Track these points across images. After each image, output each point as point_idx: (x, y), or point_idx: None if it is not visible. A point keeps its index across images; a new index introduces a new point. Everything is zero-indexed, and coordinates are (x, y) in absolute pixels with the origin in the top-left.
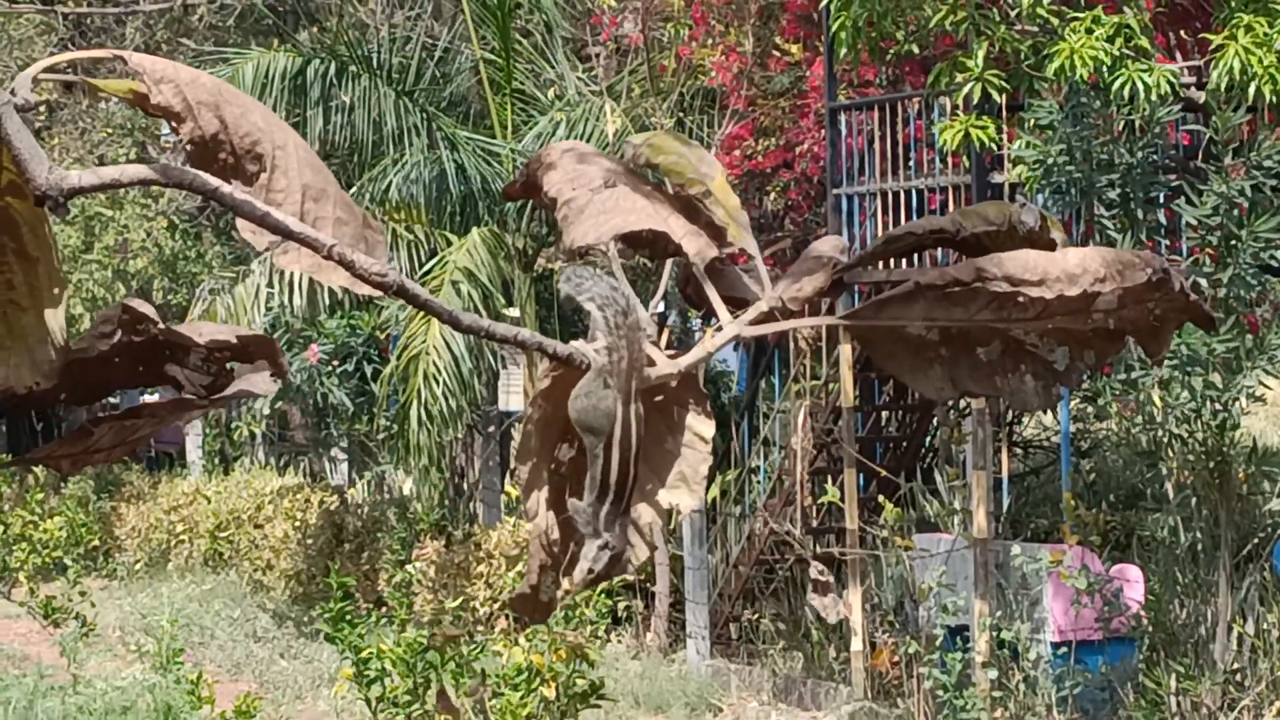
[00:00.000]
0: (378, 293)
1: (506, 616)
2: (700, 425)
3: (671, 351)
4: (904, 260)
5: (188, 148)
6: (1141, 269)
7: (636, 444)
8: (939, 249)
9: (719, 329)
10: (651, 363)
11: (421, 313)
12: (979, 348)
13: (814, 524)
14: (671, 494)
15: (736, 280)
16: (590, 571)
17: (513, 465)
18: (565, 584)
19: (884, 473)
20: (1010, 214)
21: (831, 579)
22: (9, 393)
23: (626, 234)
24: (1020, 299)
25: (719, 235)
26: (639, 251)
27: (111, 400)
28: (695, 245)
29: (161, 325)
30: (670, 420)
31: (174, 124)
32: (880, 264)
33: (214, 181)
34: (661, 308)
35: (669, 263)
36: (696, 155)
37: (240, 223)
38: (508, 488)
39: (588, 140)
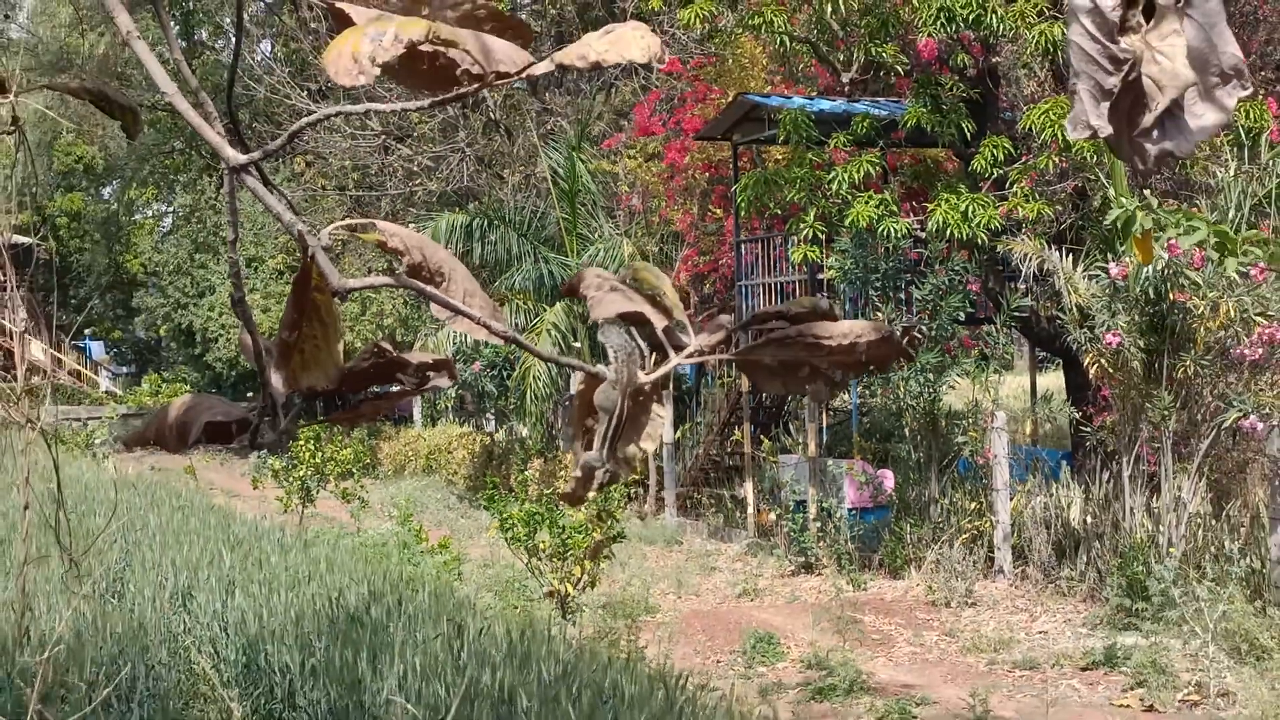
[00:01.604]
0: (501, 341)
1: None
2: (659, 410)
3: (649, 371)
4: (763, 326)
5: (405, 269)
6: (879, 331)
7: (626, 418)
8: (779, 320)
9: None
10: (638, 378)
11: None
12: (798, 371)
13: (729, 450)
14: (644, 443)
15: (678, 337)
16: (601, 483)
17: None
18: (591, 486)
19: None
20: (815, 304)
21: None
22: (312, 391)
23: (623, 314)
24: (820, 346)
25: (669, 314)
26: (629, 324)
27: (374, 390)
28: (657, 319)
29: (395, 353)
30: (644, 407)
31: (399, 257)
32: (751, 328)
33: (420, 284)
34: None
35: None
36: (655, 275)
37: (433, 306)
38: None
39: (614, 259)
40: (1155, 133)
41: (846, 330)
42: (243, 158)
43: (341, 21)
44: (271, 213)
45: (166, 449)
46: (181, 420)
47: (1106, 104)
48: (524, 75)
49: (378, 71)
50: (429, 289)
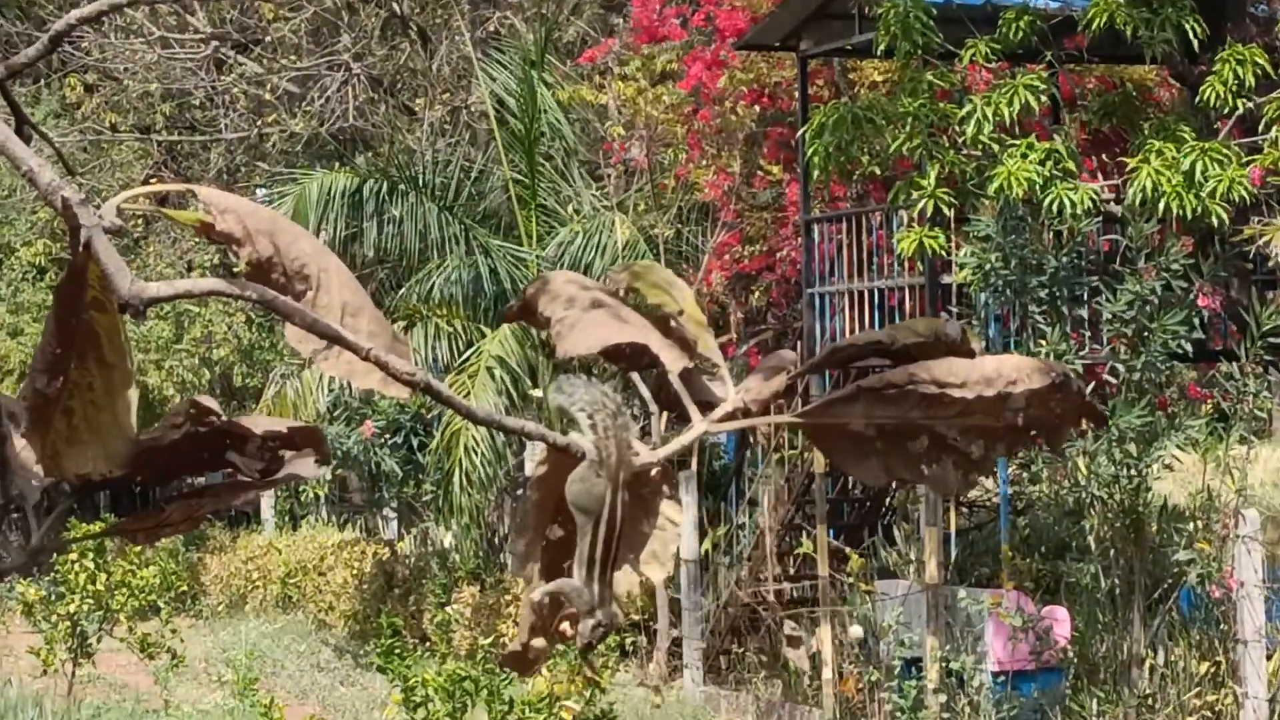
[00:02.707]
0: (406, 392)
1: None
2: (671, 511)
3: (654, 444)
4: (848, 369)
5: (246, 268)
6: (1046, 373)
7: (620, 525)
8: (876, 358)
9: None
10: (637, 454)
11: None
12: (909, 441)
13: (792, 571)
14: (645, 568)
15: (704, 386)
16: (587, 643)
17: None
18: (552, 642)
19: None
20: (937, 328)
21: (802, 633)
22: (87, 479)
23: (608, 349)
24: (945, 399)
25: (690, 347)
26: (619, 365)
27: (192, 481)
28: (670, 356)
29: (223, 418)
30: (648, 506)
31: (234, 249)
32: (826, 370)
33: (270, 293)
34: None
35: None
36: (668, 280)
37: (289, 330)
38: None
39: (599, 249)
40: None
41: (993, 373)
42: None
43: None
44: (20, 169)
45: None
46: None
47: None
48: None
49: None
50: (284, 300)
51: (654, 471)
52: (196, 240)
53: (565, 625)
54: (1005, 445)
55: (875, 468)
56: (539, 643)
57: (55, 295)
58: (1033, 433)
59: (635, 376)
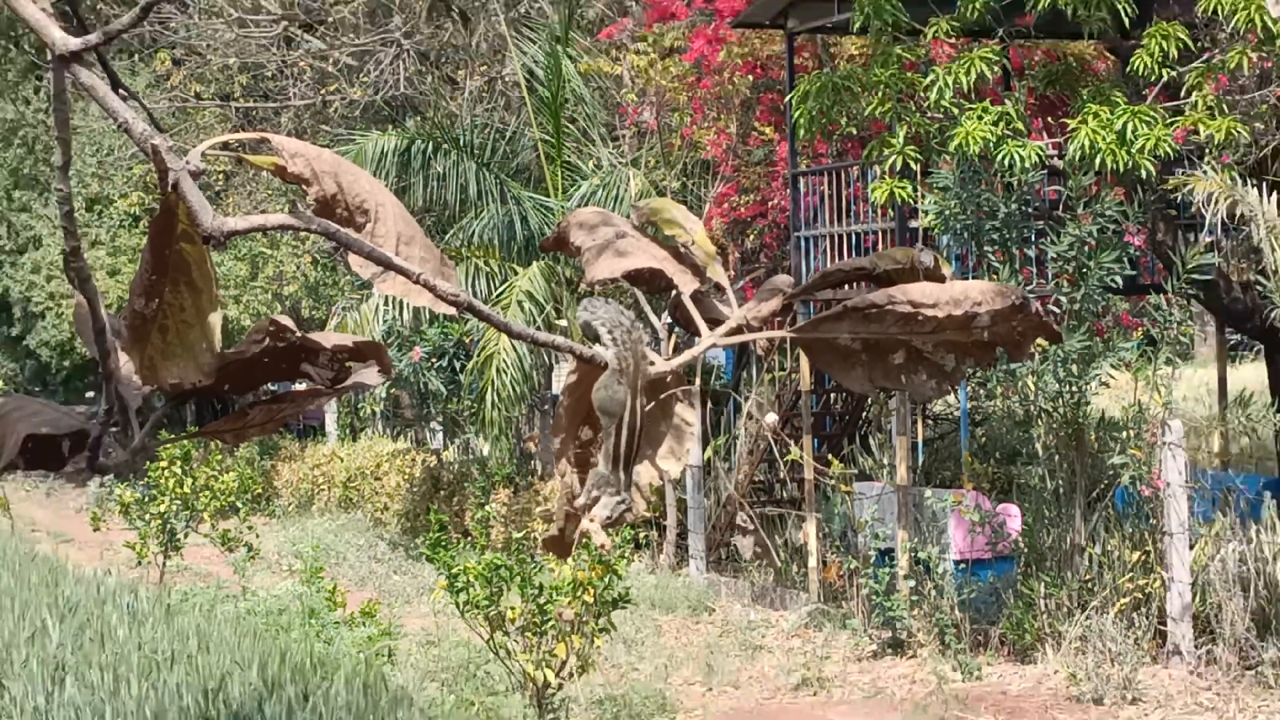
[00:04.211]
0: (453, 310)
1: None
2: (686, 413)
3: (667, 356)
4: (836, 290)
5: (313, 204)
6: (1007, 296)
7: (640, 425)
8: (860, 281)
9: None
10: (652, 363)
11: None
12: (889, 354)
13: (783, 475)
14: (663, 462)
15: (713, 305)
16: (607, 519)
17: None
18: (584, 526)
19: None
20: (912, 256)
21: (753, 526)
22: (179, 388)
23: (631, 273)
24: (919, 317)
25: (700, 273)
26: (640, 287)
27: (270, 389)
28: (683, 280)
29: (299, 334)
30: (666, 409)
31: (304, 187)
32: (818, 293)
33: (333, 226)
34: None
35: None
36: (683, 214)
37: (351, 258)
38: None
39: (616, 199)
40: None
41: (960, 295)
42: (75, 41)
43: None
44: (117, 121)
45: None
46: None
47: None
48: None
49: None
50: (347, 233)
51: (669, 378)
52: (269, 192)
53: (595, 509)
54: (973, 358)
55: (860, 377)
56: (573, 529)
57: (150, 229)
58: (998, 349)
59: (645, 305)
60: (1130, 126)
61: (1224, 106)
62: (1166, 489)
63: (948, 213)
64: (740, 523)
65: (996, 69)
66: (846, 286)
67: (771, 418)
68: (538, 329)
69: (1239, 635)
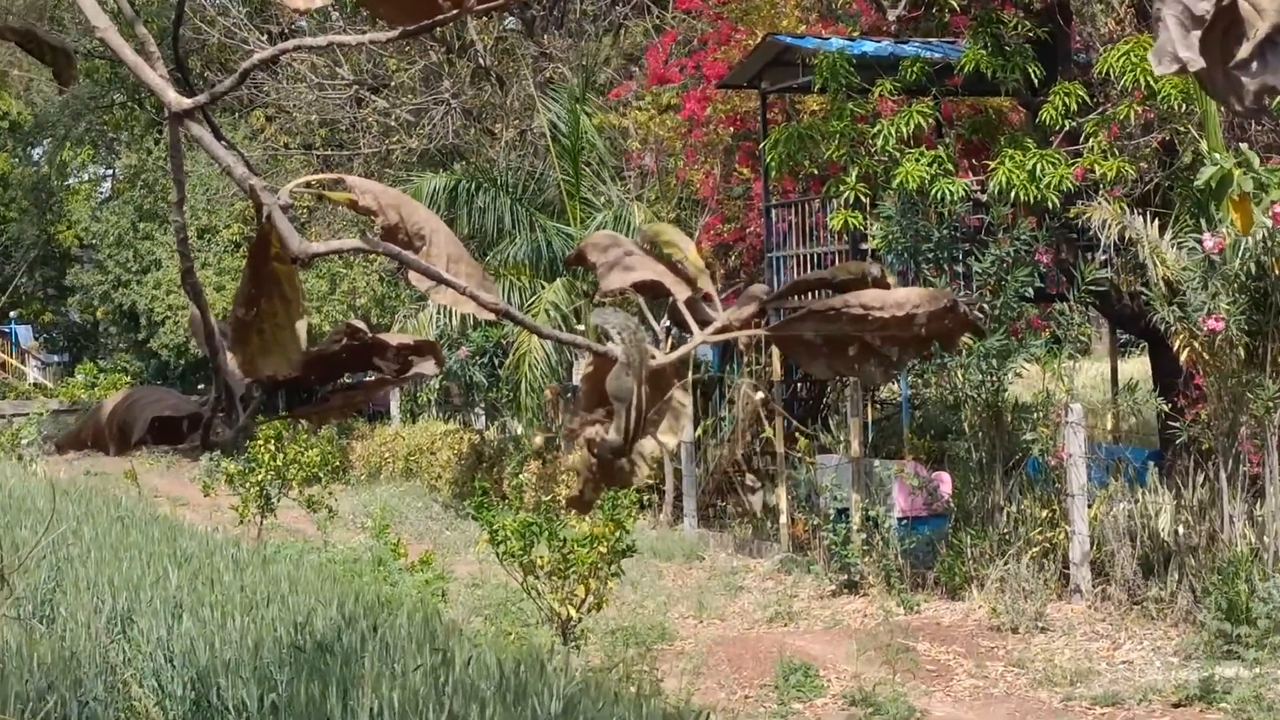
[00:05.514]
0: (492, 316)
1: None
2: (681, 395)
3: (665, 351)
4: (802, 297)
5: (379, 232)
6: (940, 299)
7: (644, 407)
8: (822, 290)
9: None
10: (654, 357)
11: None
12: (846, 348)
13: (758, 449)
14: (663, 437)
15: (703, 310)
16: (619, 479)
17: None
18: (600, 488)
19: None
20: (864, 269)
21: (759, 485)
22: (273, 379)
23: (637, 284)
24: (869, 318)
25: (692, 283)
26: (643, 296)
27: (346, 379)
28: (679, 290)
29: (370, 335)
30: (664, 392)
31: (372, 218)
32: (788, 299)
33: (395, 248)
34: (667, 324)
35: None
36: (679, 236)
37: (410, 275)
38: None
39: (625, 229)
40: (1254, 65)
41: (902, 299)
42: (187, 101)
43: None
44: (221, 166)
45: (105, 451)
46: (123, 418)
47: (1198, 32)
48: (514, 2)
49: None
50: (406, 254)
51: (669, 369)
52: (345, 222)
53: (611, 470)
54: (913, 350)
55: (822, 366)
56: (590, 490)
57: (249, 252)
58: (933, 342)
59: (647, 310)
60: (1039, 166)
61: (1115, 150)
62: (1069, 459)
63: (892, 237)
64: (750, 484)
65: (931, 120)
66: (811, 294)
67: (760, 395)
68: (561, 331)
69: (1128, 577)
